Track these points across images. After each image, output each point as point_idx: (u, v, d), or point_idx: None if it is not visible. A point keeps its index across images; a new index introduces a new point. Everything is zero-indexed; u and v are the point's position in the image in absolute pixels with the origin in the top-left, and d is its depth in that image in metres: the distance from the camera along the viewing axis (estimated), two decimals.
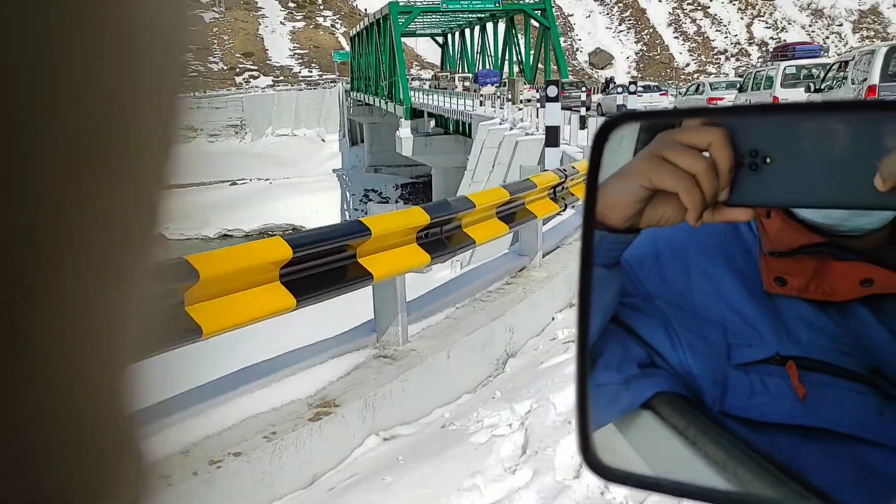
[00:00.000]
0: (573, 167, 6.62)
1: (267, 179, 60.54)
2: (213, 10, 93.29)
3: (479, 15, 56.80)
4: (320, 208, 50.13)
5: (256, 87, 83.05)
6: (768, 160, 0.64)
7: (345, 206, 54.84)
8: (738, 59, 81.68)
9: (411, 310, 4.58)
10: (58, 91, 0.19)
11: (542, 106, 29.38)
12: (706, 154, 0.66)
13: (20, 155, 0.18)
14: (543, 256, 6.28)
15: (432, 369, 4.12)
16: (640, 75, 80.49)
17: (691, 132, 0.67)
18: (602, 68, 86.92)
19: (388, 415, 3.73)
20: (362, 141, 64.35)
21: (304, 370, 3.72)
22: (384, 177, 58.28)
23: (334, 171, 62.60)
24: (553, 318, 5.67)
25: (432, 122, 43.98)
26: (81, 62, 0.19)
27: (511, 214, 5.16)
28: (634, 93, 23.26)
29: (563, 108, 25.44)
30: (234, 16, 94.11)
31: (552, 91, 9.88)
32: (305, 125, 72.33)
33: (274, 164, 64.49)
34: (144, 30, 0.21)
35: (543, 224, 8.10)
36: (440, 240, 4.26)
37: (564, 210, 6.19)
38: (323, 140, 70.82)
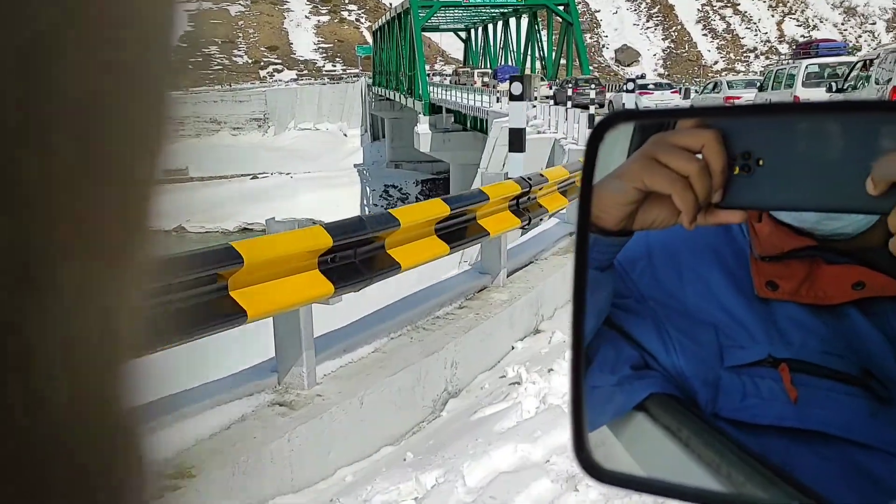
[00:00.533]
0: (541, 175, 5.85)
1: (288, 174, 60.56)
2: (239, 4, 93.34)
3: (501, 10, 56.13)
4: (341, 203, 49.76)
5: (280, 80, 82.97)
6: (761, 162, 0.64)
7: (365, 202, 54.58)
8: (767, 58, 79.68)
9: (332, 342, 3.90)
10: (42, 89, 0.18)
11: (556, 103, 28.74)
12: (699, 156, 0.66)
13: (9, 156, 0.18)
14: (508, 276, 5.56)
15: (340, 419, 3.43)
16: (666, 73, 79.11)
17: (684, 134, 0.67)
18: (628, 65, 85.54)
19: (270, 482, 3.06)
20: (384, 136, 64.04)
21: (170, 425, 3.05)
22: (405, 172, 57.85)
23: (355, 166, 62.45)
24: (512, 348, 4.97)
25: (451, 118, 43.48)
26: (65, 58, 0.19)
27: (456, 231, 4.45)
28: (632, 91, 22.25)
29: (574, 106, 24.73)
30: (260, 9, 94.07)
31: (516, 88, 8.45)
32: (328, 119, 72.28)
33: (296, 159, 64.51)
34: (129, 24, 0.20)
35: (528, 232, 7.38)
36: (352, 265, 3.57)
37: (528, 224, 5.44)
38: (345, 135, 70.60)
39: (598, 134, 0.71)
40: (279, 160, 63.42)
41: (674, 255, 0.78)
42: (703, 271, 0.78)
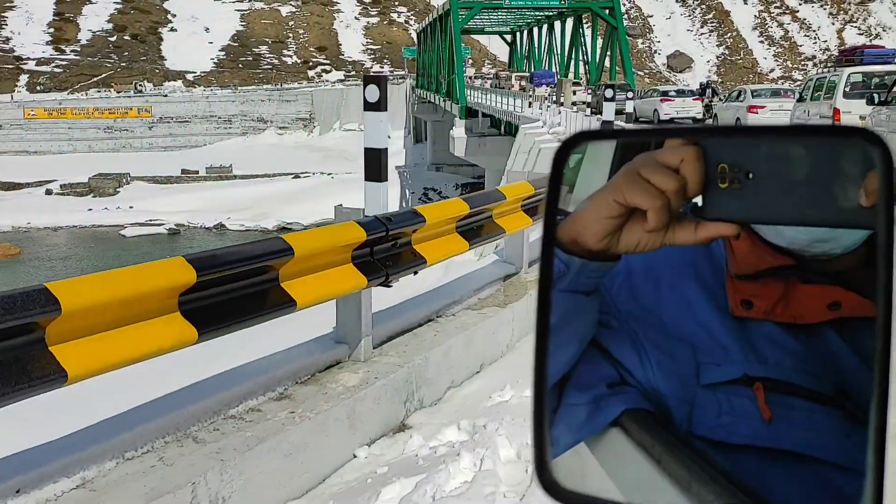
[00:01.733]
0: (415, 212, 4.32)
1: (330, 174, 60.81)
2: (290, 4, 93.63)
3: (546, 13, 54.83)
4: None
5: (327, 80, 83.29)
6: (751, 175, 0.64)
7: (404, 205, 54.11)
8: (826, 66, 76.15)
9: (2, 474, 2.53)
10: None
11: (594, 111, 27.06)
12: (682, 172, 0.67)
13: None
14: (378, 346, 4.13)
15: None
16: (719, 79, 76.48)
17: (666, 151, 0.68)
18: (681, 71, 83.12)
19: None
20: (426, 138, 63.58)
21: None
22: (445, 175, 57.41)
23: (397, 167, 62.42)
24: (354, 456, 3.55)
25: (487, 122, 42.57)
26: None
27: (226, 304, 2.95)
28: (611, 99, 20.44)
29: (595, 113, 23.05)
30: (310, 10, 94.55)
31: (371, 94, 6.01)
32: None
33: (338, 159, 64.78)
34: None
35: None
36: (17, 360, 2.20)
37: (387, 281, 3.94)
38: (388, 136, 70.04)
39: (562, 154, 0.70)
40: (322, 160, 63.55)
41: (652, 270, 0.77)
42: (682, 288, 0.77)
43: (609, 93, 20.41)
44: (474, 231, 4.75)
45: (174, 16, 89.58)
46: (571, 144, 0.71)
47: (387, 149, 5.74)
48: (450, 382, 4.34)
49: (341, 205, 4.01)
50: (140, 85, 75.31)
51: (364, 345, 3.97)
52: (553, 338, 0.69)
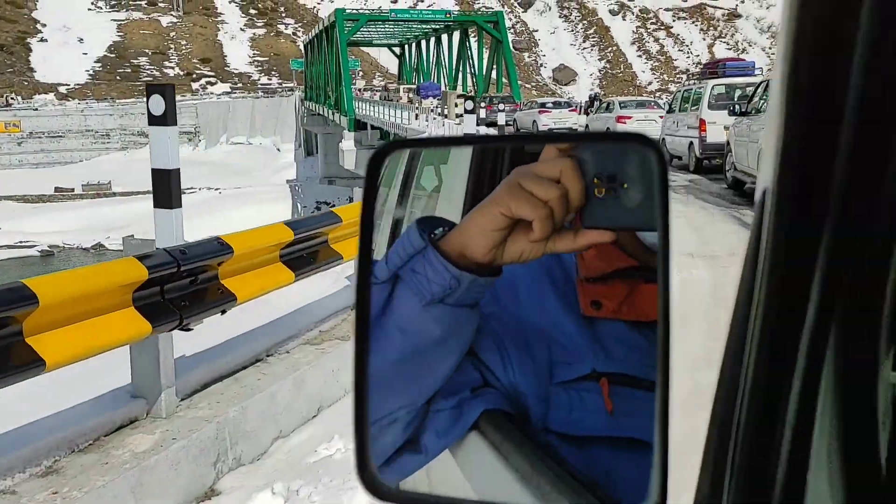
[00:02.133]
0: (220, 241, 3.69)
1: (217, 189, 58.88)
2: (171, 14, 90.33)
3: (433, 26, 55.11)
4: (270, 219, 47.52)
5: (212, 93, 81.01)
6: (625, 185, 0.67)
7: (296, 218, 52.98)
8: (695, 79, 79.92)
9: None
10: None
11: (477, 122, 27.25)
12: (562, 183, 0.70)
13: None
14: (187, 397, 3.59)
15: None
16: (602, 92, 79.20)
17: (545, 164, 0.71)
18: (566, 84, 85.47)
19: None
20: (317, 151, 62.71)
21: None
22: (338, 188, 56.59)
23: (288, 181, 61.44)
24: None
25: (377, 135, 42.28)
26: None
27: None
28: (472, 111, 20.87)
29: (486, 125, 23.22)
30: (193, 21, 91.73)
31: (156, 106, 5.08)
32: (261, 134, 71.05)
33: (227, 174, 63.09)
34: None
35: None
36: None
37: (183, 324, 3.41)
38: (278, 149, 69.27)
39: (374, 166, 0.71)
40: (209, 175, 61.53)
41: (512, 275, 0.79)
42: (538, 291, 0.81)
43: (469, 104, 20.67)
44: (304, 259, 4.26)
45: (44, 25, 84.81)
46: (382, 156, 0.71)
47: (178, 169, 5.09)
48: (277, 433, 3.84)
49: (132, 236, 3.47)
50: (11, 98, 70.81)
51: (165, 398, 3.41)
52: (437, 350, 0.73)
